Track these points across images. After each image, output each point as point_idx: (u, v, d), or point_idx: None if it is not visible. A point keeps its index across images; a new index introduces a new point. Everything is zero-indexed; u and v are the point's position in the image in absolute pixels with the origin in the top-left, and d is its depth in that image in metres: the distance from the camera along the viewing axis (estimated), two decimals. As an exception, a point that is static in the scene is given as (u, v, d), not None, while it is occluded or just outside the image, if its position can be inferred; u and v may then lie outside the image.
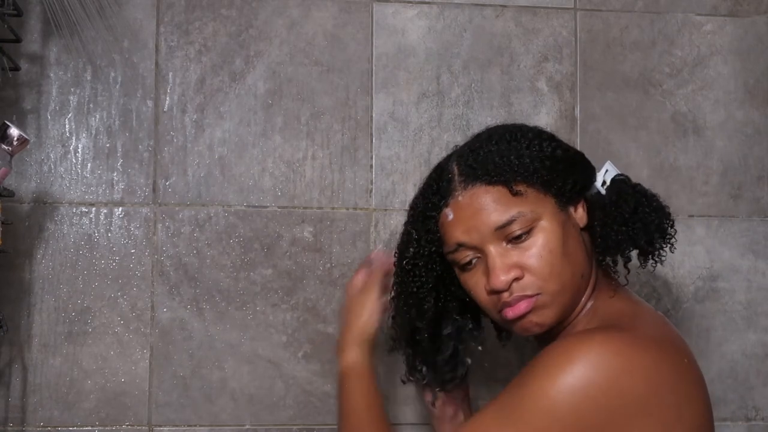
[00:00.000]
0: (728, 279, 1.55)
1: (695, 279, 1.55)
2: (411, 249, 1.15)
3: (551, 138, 1.13)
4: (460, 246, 1.09)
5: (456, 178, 1.10)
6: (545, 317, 1.07)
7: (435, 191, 1.13)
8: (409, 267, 1.16)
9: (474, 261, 1.09)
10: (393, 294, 1.20)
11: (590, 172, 1.14)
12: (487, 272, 1.07)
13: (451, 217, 1.10)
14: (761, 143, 1.58)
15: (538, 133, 1.13)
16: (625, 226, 1.09)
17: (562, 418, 0.95)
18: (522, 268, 1.06)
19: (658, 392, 0.97)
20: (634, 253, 1.12)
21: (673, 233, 1.12)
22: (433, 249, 1.14)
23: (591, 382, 0.95)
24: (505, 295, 1.06)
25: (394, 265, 1.19)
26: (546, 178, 1.08)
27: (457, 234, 1.09)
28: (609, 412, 0.95)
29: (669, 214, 1.12)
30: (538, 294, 1.06)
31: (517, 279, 1.06)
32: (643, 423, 0.96)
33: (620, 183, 1.13)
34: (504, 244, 1.06)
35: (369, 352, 1.21)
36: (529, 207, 1.06)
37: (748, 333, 1.56)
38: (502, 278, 1.05)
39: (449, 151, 1.18)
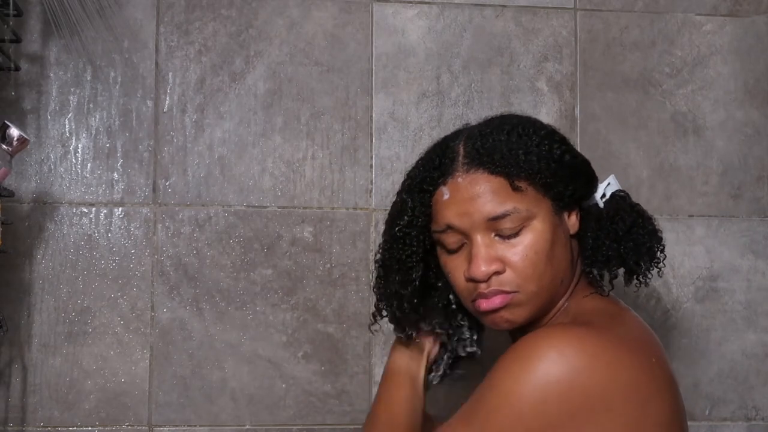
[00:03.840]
0: (728, 279, 1.55)
1: (695, 279, 1.55)
2: (405, 217, 1.13)
3: (562, 141, 1.12)
4: (449, 228, 1.08)
5: (459, 158, 1.09)
6: (517, 315, 1.07)
7: (436, 166, 1.11)
8: (401, 234, 1.13)
9: (458, 245, 1.09)
10: (378, 258, 1.17)
11: (592, 183, 1.14)
12: (470, 259, 1.07)
13: (446, 196, 1.09)
14: (761, 143, 1.58)
15: (551, 133, 1.12)
16: (617, 243, 1.09)
17: (525, 416, 0.95)
18: (505, 263, 1.05)
19: (621, 389, 0.97)
20: (620, 271, 1.12)
21: (661, 258, 1.12)
22: (424, 223, 1.12)
23: (552, 379, 0.95)
24: (483, 286, 1.06)
25: (384, 232, 1.17)
26: (548, 180, 1.07)
27: (449, 215, 1.08)
28: (571, 408, 0.95)
29: (661, 239, 1.12)
30: (515, 292, 1.05)
31: (497, 273, 1.05)
32: (606, 419, 0.96)
33: (620, 199, 1.13)
34: (492, 235, 1.06)
35: (415, 359, 1.19)
36: (525, 205, 1.06)
37: (748, 333, 1.56)
38: (483, 269, 1.05)
39: (474, 127, 1.14)
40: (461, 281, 1.09)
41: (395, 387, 1.18)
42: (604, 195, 1.14)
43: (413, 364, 1.19)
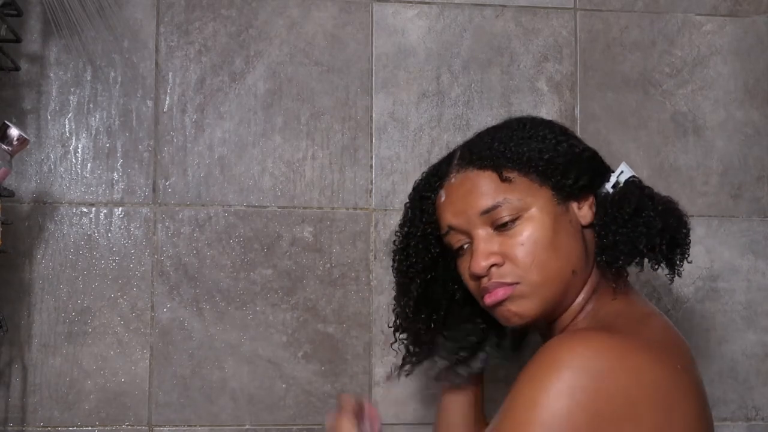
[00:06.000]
0: (728, 279, 1.55)
1: (695, 279, 1.55)
2: (405, 228, 1.17)
3: (561, 132, 1.12)
4: (450, 229, 1.10)
5: (455, 161, 1.12)
6: (524, 308, 1.06)
7: (435, 173, 1.15)
8: (402, 246, 1.17)
9: (465, 246, 1.10)
10: (393, 267, 1.21)
11: (601, 171, 1.12)
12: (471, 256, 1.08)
13: (443, 198, 1.11)
14: (761, 143, 1.58)
15: (547, 125, 1.12)
16: (625, 227, 1.07)
17: (551, 426, 0.94)
18: (504, 255, 1.06)
19: (646, 394, 0.95)
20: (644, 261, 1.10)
21: (687, 242, 1.08)
22: (429, 231, 1.15)
23: (577, 387, 0.93)
24: (485, 280, 1.07)
25: (394, 243, 1.20)
26: (542, 169, 1.07)
27: (448, 216, 1.10)
28: (597, 415, 0.93)
29: (680, 218, 1.08)
30: (516, 283, 1.05)
31: (497, 266, 1.06)
32: (631, 425, 0.94)
33: (629, 184, 1.11)
34: (491, 230, 1.07)
35: None
36: (517, 195, 1.06)
37: (748, 333, 1.56)
38: (482, 263, 1.06)
39: (449, 151, 1.19)
40: (469, 280, 1.10)
41: None
42: (617, 183, 1.11)
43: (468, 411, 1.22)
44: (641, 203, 1.08)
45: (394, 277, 1.20)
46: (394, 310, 1.22)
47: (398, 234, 1.19)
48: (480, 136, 1.12)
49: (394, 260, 1.20)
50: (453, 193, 1.10)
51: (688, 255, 1.09)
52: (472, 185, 1.08)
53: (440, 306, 1.20)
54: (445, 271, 1.17)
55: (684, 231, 1.09)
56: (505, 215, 1.05)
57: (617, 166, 1.14)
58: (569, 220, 1.08)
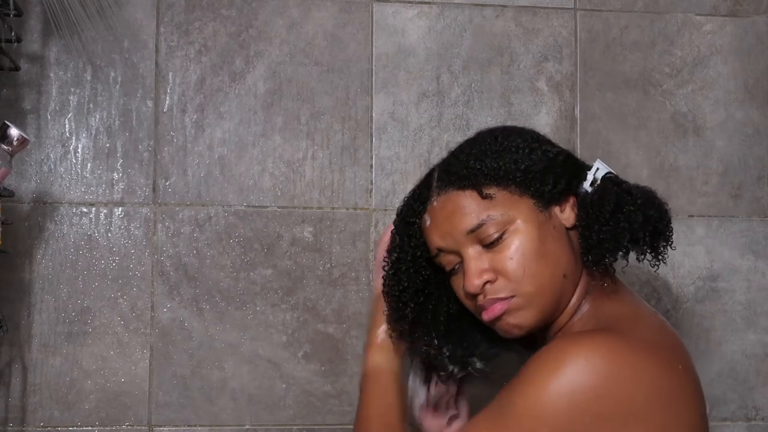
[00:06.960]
0: (728, 279, 1.55)
1: (695, 279, 1.55)
2: (395, 254, 1.17)
3: (534, 139, 1.12)
4: (440, 251, 1.11)
5: (434, 183, 1.12)
6: (523, 319, 1.07)
7: (417, 197, 1.15)
8: (392, 271, 1.17)
9: (457, 266, 1.10)
10: (384, 292, 1.20)
11: (577, 172, 1.12)
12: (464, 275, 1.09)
13: (428, 222, 1.12)
14: (761, 143, 1.58)
15: (518, 134, 1.12)
16: (607, 225, 1.07)
17: (551, 423, 0.94)
18: (495, 271, 1.06)
19: (649, 396, 0.96)
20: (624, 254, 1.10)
21: (670, 230, 1.09)
22: (418, 254, 1.15)
23: (579, 387, 0.94)
24: (480, 298, 1.07)
25: (383, 268, 1.19)
26: (520, 180, 1.07)
27: (435, 239, 1.11)
28: (598, 415, 0.94)
29: (660, 207, 1.09)
30: (511, 296, 1.06)
31: (490, 282, 1.06)
32: (633, 426, 0.95)
33: (605, 181, 1.11)
34: (479, 247, 1.07)
35: (394, 355, 1.19)
36: (500, 210, 1.06)
37: (748, 333, 1.56)
38: (475, 282, 1.06)
39: (445, 152, 1.19)
40: (465, 299, 1.11)
41: (382, 387, 1.18)
42: (595, 181, 1.12)
43: (395, 362, 1.19)
44: (620, 199, 1.08)
45: (386, 302, 1.18)
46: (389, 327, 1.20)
47: (387, 260, 1.18)
48: (454, 155, 1.12)
49: (385, 285, 1.19)
50: (437, 216, 1.10)
51: (672, 241, 1.10)
52: (454, 206, 1.08)
53: (437, 323, 1.19)
54: (438, 289, 1.17)
55: (665, 219, 1.09)
56: (491, 232, 1.06)
57: (614, 167, 1.15)
58: (553, 225, 1.08)
